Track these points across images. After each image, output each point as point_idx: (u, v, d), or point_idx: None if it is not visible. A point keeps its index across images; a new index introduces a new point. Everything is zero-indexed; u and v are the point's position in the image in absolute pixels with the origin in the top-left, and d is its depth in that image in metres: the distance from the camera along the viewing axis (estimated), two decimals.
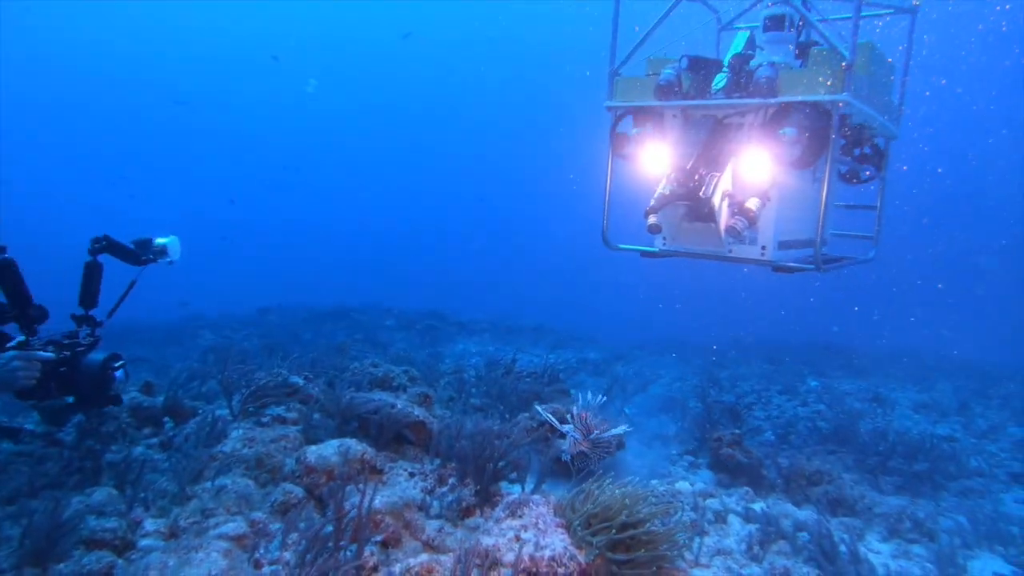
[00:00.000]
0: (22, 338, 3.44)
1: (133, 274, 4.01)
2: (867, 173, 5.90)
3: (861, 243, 6.50)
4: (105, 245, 3.85)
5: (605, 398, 4.66)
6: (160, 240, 4.09)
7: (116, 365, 3.70)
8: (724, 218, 4.82)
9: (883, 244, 6.39)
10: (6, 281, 3.38)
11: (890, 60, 5.64)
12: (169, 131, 43.72)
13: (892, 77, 5.71)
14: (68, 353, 3.56)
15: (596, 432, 4.68)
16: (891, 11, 5.82)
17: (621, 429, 4.87)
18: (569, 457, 4.75)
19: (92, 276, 3.81)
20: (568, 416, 5.38)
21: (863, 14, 5.84)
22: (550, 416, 5.19)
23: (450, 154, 48.56)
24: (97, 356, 3.65)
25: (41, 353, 3.39)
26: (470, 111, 47.24)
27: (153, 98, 42.36)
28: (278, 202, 46.10)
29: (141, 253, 4.03)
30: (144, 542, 3.28)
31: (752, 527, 4.49)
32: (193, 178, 43.31)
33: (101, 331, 3.83)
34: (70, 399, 3.77)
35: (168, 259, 4.11)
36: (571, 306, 23.15)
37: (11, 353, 3.28)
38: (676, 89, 4.98)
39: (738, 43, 5.39)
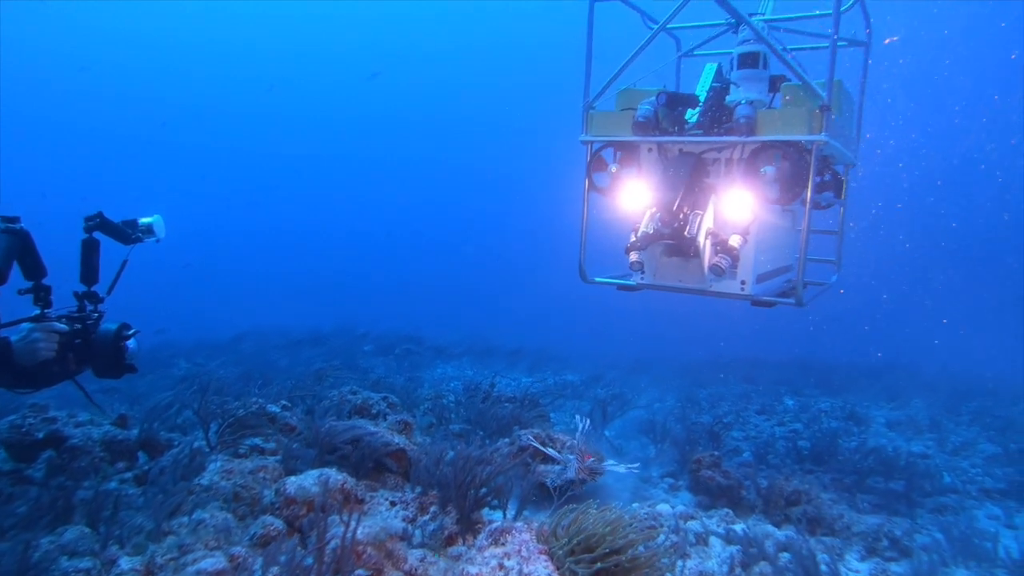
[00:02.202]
0: (37, 311, 3.43)
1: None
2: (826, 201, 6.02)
3: (822, 267, 6.59)
4: (99, 223, 3.85)
5: (589, 424, 4.71)
6: (145, 220, 4.10)
7: (128, 334, 3.71)
8: (708, 256, 4.85)
9: (860, 260, 6.53)
10: (22, 252, 3.37)
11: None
12: (141, 149, 43.40)
13: (854, 110, 5.88)
14: (80, 326, 3.58)
15: (603, 462, 4.74)
16: (843, 44, 5.98)
17: (623, 468, 5.01)
18: (555, 483, 4.78)
19: (90, 252, 3.80)
20: (550, 441, 5.43)
21: (816, 46, 6.03)
22: (537, 443, 5.24)
23: (418, 169, 48.69)
24: (110, 326, 3.68)
25: (58, 324, 3.41)
26: (442, 125, 47.45)
27: (121, 113, 42.11)
28: (248, 220, 45.67)
29: (131, 232, 4.04)
30: None
31: (733, 548, 4.51)
32: (160, 197, 42.73)
33: (104, 307, 3.84)
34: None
35: (155, 237, 4.13)
36: (548, 324, 23.16)
37: (30, 325, 3.30)
38: (654, 125, 5.00)
39: (708, 76, 5.46)
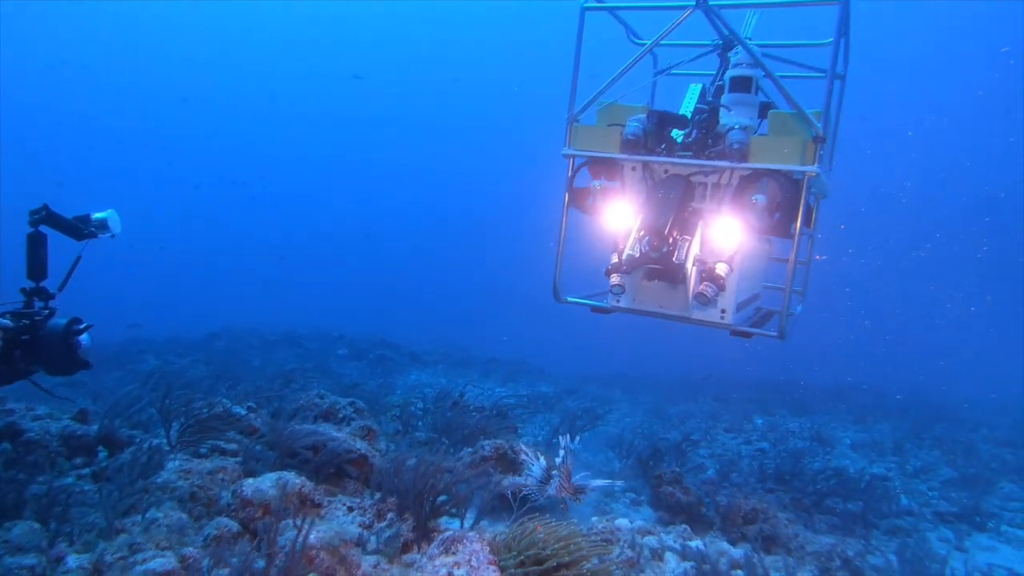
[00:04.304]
0: None
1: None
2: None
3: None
4: (44, 216, 3.76)
5: (573, 440, 4.79)
6: (98, 215, 4.01)
7: (79, 328, 3.63)
8: (693, 284, 4.73)
9: (832, 283, 6.59)
10: None
11: None
12: (119, 142, 42.99)
13: (831, 141, 5.92)
14: (27, 321, 3.49)
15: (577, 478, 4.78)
16: (821, 75, 5.98)
17: (607, 483, 5.11)
18: (536, 498, 4.79)
19: (37, 247, 3.71)
20: (513, 453, 5.47)
21: (795, 75, 6.09)
22: (524, 450, 5.28)
23: (401, 172, 48.65)
24: (59, 321, 3.59)
25: (1, 320, 3.34)
26: (427, 128, 47.42)
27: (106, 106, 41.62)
28: (228, 218, 45.31)
29: (83, 227, 3.96)
30: None
31: (687, 565, 4.56)
32: (137, 194, 42.16)
33: (55, 303, 3.75)
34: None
35: (110, 233, 4.04)
36: (526, 335, 23.21)
37: None
38: (642, 143, 4.88)
39: (692, 96, 5.41)
